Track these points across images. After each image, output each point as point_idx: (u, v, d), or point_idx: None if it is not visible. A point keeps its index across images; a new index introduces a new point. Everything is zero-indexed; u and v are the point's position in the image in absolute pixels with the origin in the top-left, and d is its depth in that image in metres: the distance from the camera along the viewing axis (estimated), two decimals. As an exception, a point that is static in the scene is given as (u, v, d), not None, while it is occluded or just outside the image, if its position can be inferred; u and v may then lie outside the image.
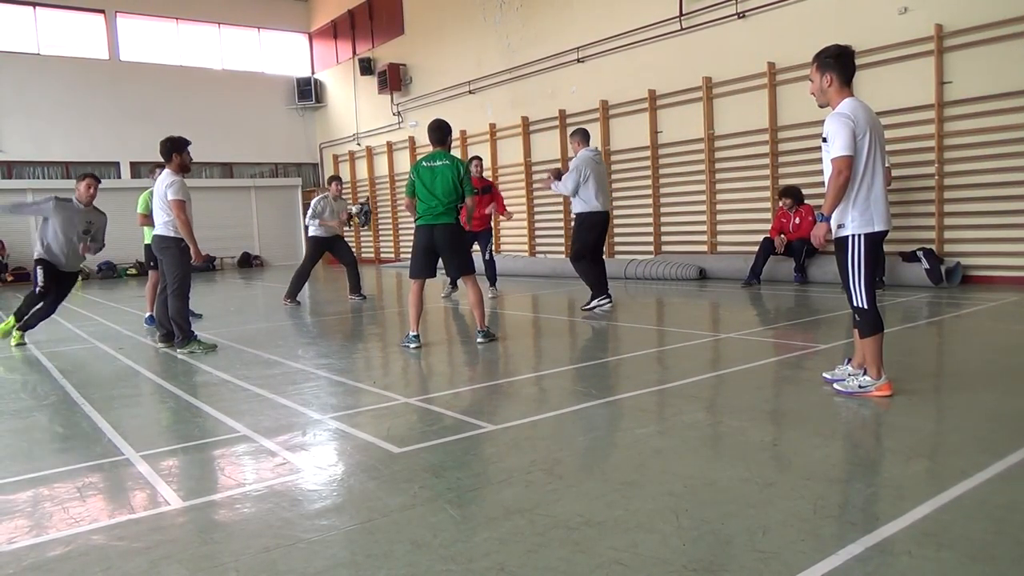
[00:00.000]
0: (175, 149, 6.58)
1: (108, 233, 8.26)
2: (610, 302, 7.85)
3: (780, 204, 9.82)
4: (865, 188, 3.92)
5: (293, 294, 10.12)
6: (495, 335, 6.43)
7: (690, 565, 2.16)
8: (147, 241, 8.35)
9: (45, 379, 5.52)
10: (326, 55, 21.43)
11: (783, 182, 10.36)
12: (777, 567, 2.12)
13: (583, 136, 7.99)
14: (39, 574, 2.34)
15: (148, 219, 7.89)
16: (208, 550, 2.44)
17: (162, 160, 6.78)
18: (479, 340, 6.28)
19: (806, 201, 9.60)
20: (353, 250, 11.17)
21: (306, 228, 10.73)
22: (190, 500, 2.90)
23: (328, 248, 10.36)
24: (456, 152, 15.61)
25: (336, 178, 10.80)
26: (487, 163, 15.31)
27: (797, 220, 9.58)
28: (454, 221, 6.22)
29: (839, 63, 4.00)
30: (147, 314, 8.43)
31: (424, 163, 6.24)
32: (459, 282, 10.21)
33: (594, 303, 7.83)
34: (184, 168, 6.62)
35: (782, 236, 9.62)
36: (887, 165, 5.60)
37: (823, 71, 4.02)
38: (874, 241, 3.97)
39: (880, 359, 4.01)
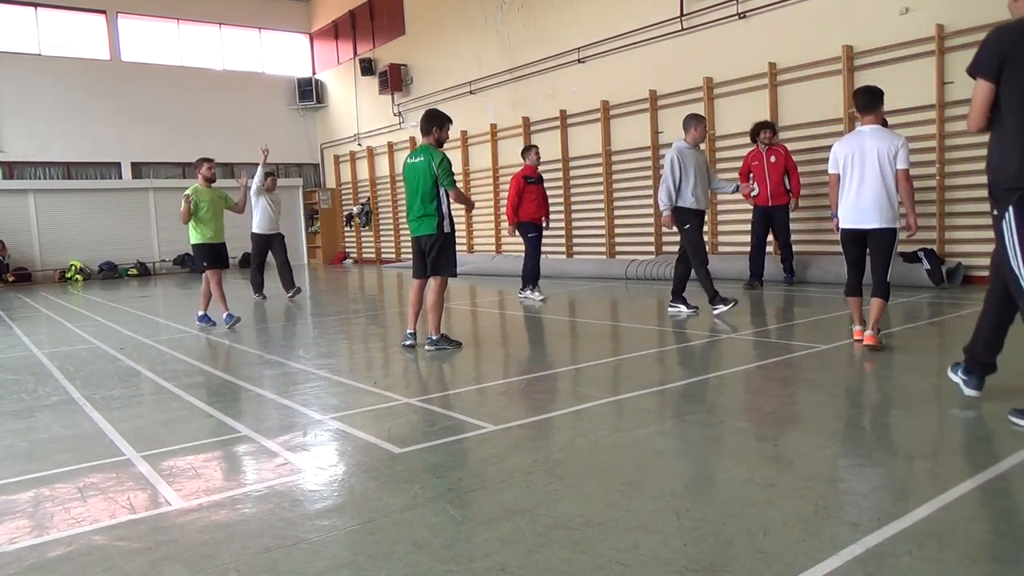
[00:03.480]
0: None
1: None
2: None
3: (755, 144, 9.34)
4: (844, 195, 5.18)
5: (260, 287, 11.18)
6: (447, 346, 6.03)
7: (691, 566, 2.16)
8: (194, 241, 8.36)
9: (46, 379, 5.52)
10: (327, 55, 21.44)
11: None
12: (778, 568, 2.12)
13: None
14: (40, 574, 2.34)
15: (190, 216, 8.12)
16: (209, 550, 2.44)
17: (204, 158, 8.45)
18: (427, 347, 6.00)
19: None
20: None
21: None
22: (191, 500, 2.90)
23: (268, 246, 11.04)
24: (456, 152, 15.67)
25: (270, 173, 10.99)
26: (487, 163, 15.33)
27: (773, 159, 9.16)
28: (434, 231, 5.89)
29: (854, 98, 5.24)
30: (200, 312, 8.30)
31: (408, 159, 6.06)
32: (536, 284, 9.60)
33: (724, 307, 7.20)
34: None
35: (753, 185, 9.07)
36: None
37: None
38: (843, 234, 5.24)
39: (854, 315, 5.42)
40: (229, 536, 2.55)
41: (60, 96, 18.25)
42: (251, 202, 10.78)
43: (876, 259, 5.14)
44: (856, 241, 5.21)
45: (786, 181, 9.28)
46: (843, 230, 5.22)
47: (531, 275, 9.49)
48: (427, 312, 6.09)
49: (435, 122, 5.99)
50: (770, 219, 9.38)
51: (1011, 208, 3.28)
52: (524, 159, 9.61)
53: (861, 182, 5.04)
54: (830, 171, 5.30)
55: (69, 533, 2.64)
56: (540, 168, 9.40)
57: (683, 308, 7.37)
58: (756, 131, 9.42)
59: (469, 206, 6.68)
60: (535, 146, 9.82)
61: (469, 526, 2.53)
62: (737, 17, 10.65)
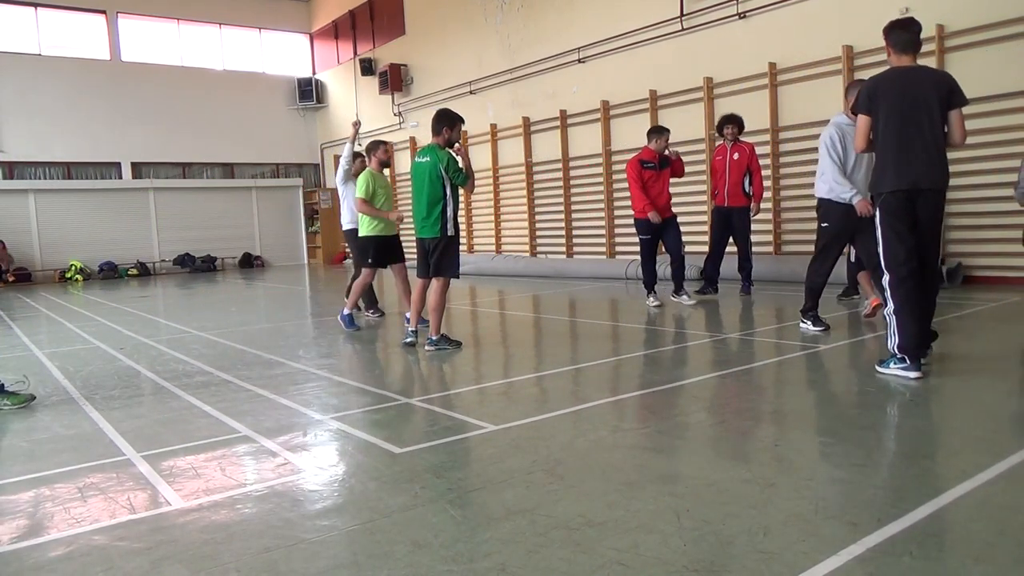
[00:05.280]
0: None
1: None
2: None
3: (721, 139, 8.62)
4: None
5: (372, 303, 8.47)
6: (447, 346, 6.02)
7: (691, 566, 2.16)
8: (364, 232, 7.25)
9: (46, 379, 5.52)
10: (327, 55, 21.44)
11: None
12: (778, 568, 2.12)
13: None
14: (41, 574, 2.34)
15: (368, 205, 7.10)
16: (209, 550, 2.44)
17: (380, 140, 7.53)
18: (427, 347, 6.00)
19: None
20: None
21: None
22: (191, 500, 2.90)
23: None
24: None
25: (360, 154, 8.11)
26: (487, 163, 15.33)
27: (736, 156, 8.36)
28: (438, 234, 5.86)
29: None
30: (345, 311, 7.44)
31: (415, 159, 6.05)
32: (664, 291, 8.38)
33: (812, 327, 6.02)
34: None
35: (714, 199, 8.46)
36: None
37: None
38: None
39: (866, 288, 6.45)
40: (229, 536, 2.55)
41: (60, 96, 18.26)
42: (338, 190, 8.49)
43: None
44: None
45: (746, 183, 8.42)
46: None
47: (648, 279, 8.23)
48: (428, 313, 6.09)
49: (445, 122, 5.92)
50: (728, 221, 8.54)
51: (878, 209, 4.43)
52: (649, 142, 8.04)
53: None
54: None
55: (69, 533, 2.63)
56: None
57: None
58: (720, 125, 8.66)
59: (471, 186, 6.11)
60: (666, 129, 8.13)
61: (469, 526, 2.53)
62: (737, 17, 10.65)
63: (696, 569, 2.14)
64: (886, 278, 4.40)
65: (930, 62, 8.67)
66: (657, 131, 8.07)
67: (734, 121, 8.60)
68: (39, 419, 4.35)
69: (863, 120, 4.42)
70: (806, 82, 9.94)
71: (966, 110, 4.68)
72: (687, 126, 11.50)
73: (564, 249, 13.94)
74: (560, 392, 4.60)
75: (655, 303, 8.08)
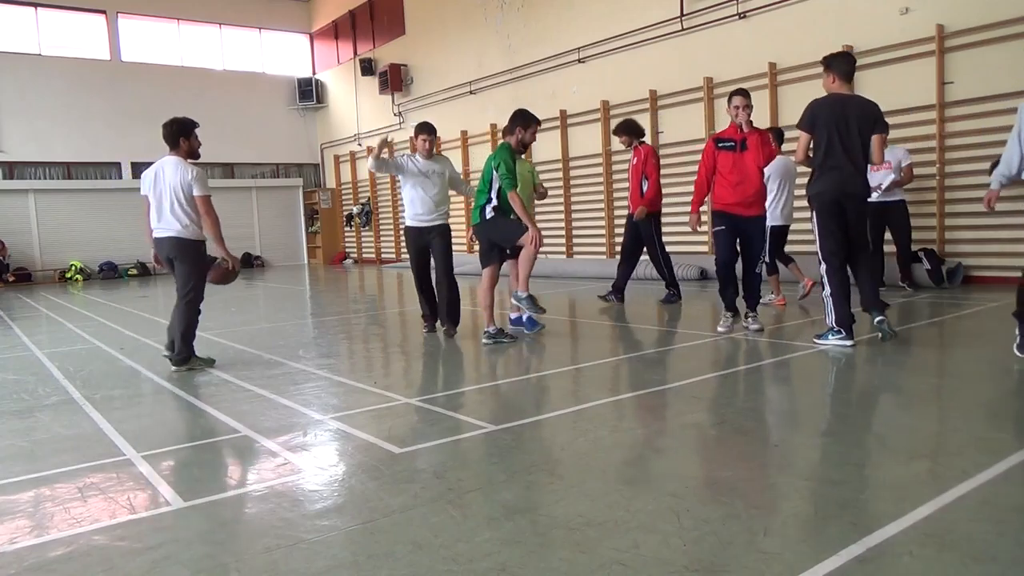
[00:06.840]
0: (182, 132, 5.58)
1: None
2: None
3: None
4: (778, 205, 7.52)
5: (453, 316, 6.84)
6: (504, 339, 6.15)
7: (691, 565, 2.16)
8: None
9: (46, 379, 5.52)
10: (327, 55, 21.44)
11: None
12: (778, 568, 2.12)
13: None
14: (41, 574, 2.34)
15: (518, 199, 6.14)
16: (209, 550, 2.44)
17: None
18: (484, 341, 6.26)
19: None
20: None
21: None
22: (191, 500, 2.90)
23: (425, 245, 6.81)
24: (457, 152, 15.67)
25: (424, 127, 6.76)
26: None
27: (634, 160, 8.10)
28: (477, 221, 6.20)
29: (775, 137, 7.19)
30: (518, 316, 6.96)
31: None
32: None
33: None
34: (192, 154, 5.67)
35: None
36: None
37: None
38: (777, 229, 7.61)
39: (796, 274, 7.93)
40: (230, 536, 2.55)
41: (60, 96, 18.25)
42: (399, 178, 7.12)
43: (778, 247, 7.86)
44: (784, 235, 7.77)
45: (644, 188, 8.10)
46: (779, 226, 7.64)
47: (723, 288, 6.20)
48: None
49: (518, 122, 6.18)
50: (629, 226, 8.54)
51: (814, 212, 5.35)
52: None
53: (790, 195, 7.57)
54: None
55: (69, 533, 2.63)
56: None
57: None
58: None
59: (524, 215, 5.98)
60: (736, 93, 6.21)
61: (469, 526, 2.53)
62: (737, 17, 10.65)
63: (696, 569, 2.14)
64: (823, 267, 5.32)
65: (930, 62, 8.69)
66: (735, 93, 6.20)
67: (621, 129, 8.33)
68: (39, 419, 4.35)
69: (804, 137, 5.36)
70: (806, 82, 9.93)
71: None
72: (687, 126, 11.51)
73: (564, 249, 13.93)
74: (560, 392, 4.60)
75: (725, 325, 6.15)
